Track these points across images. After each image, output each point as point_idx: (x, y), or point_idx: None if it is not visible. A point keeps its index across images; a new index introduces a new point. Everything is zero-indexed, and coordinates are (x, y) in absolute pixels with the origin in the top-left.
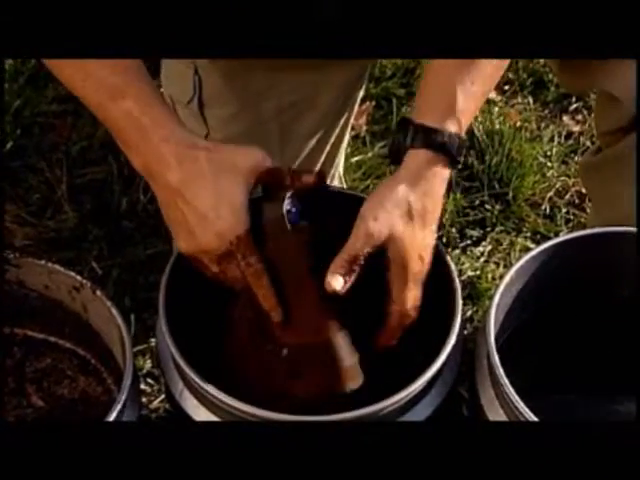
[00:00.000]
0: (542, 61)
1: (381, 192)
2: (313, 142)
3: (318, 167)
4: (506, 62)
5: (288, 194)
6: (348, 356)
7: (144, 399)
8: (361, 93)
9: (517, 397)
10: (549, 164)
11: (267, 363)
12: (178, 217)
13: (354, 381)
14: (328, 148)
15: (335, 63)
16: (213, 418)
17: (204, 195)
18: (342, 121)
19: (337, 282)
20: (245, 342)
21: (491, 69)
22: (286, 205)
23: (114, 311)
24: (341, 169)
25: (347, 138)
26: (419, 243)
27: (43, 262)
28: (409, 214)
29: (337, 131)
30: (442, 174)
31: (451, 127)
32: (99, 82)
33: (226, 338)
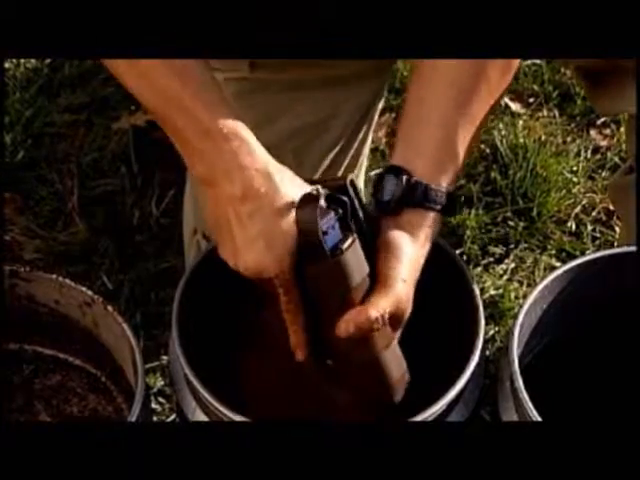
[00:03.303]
0: (569, 73)
1: (400, 247)
2: (329, 160)
3: None
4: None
5: (322, 205)
6: (397, 369)
7: (155, 418)
8: (380, 106)
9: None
10: (575, 180)
11: (306, 377)
12: (226, 228)
13: (400, 394)
14: (345, 164)
15: (352, 81)
16: None
17: (259, 219)
18: (360, 136)
19: (347, 332)
20: (274, 356)
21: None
22: (323, 226)
23: (126, 327)
24: (361, 183)
25: (367, 152)
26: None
27: (54, 276)
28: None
29: (355, 146)
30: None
31: (447, 184)
32: (165, 92)
33: (245, 354)
